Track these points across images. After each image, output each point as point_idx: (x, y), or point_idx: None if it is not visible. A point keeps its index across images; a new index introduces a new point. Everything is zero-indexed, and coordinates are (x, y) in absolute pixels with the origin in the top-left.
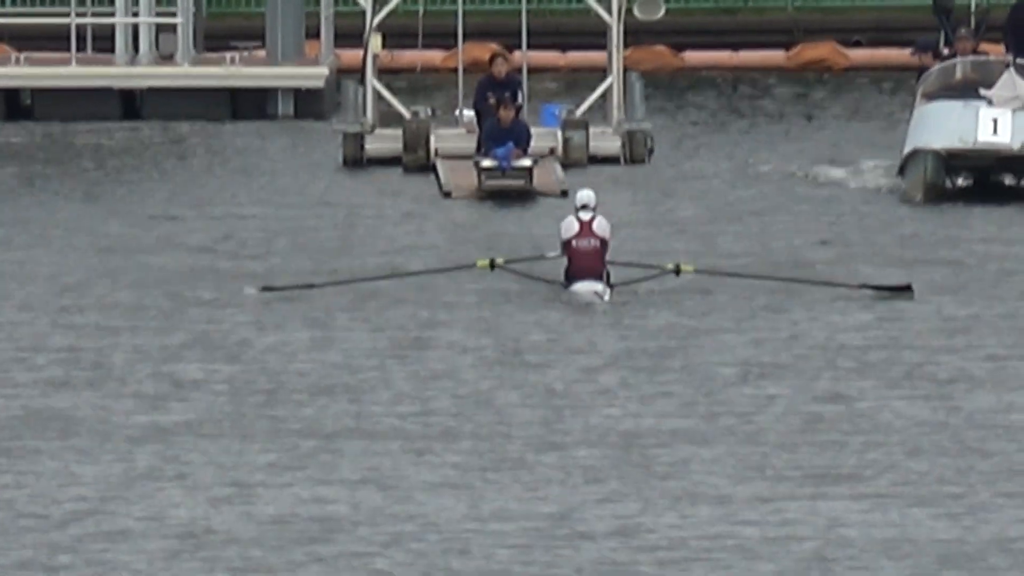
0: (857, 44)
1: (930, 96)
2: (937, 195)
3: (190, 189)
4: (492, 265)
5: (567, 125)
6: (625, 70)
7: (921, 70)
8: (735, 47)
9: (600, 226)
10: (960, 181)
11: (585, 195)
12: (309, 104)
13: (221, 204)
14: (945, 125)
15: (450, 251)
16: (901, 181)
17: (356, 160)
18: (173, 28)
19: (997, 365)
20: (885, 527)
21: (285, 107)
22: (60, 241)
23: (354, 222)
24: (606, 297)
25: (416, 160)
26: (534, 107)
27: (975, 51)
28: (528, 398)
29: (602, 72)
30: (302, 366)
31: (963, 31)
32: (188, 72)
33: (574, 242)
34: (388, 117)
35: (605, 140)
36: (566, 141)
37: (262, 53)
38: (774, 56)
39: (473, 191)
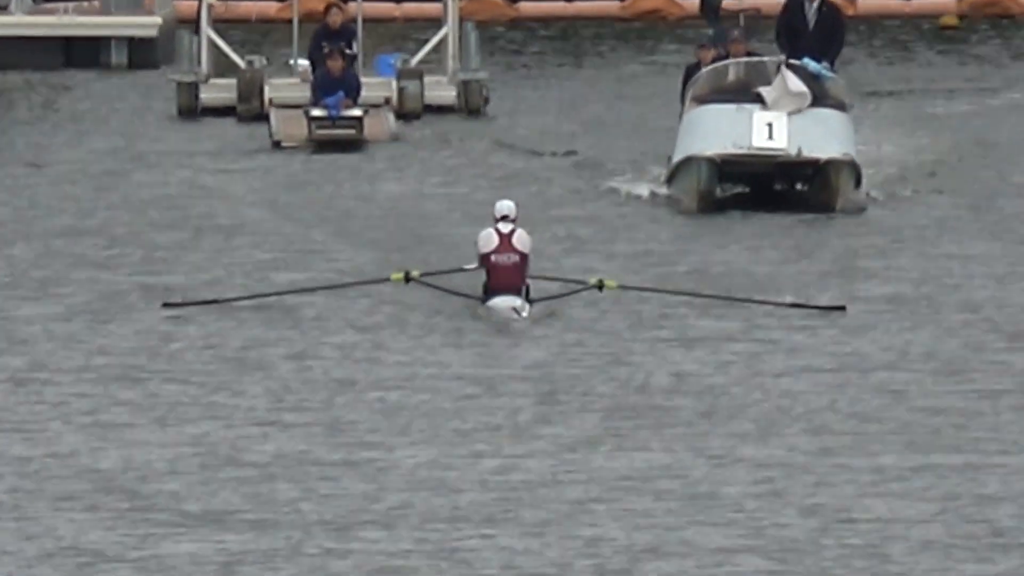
0: None
1: (701, 99)
2: (710, 204)
3: (22, 139)
4: (407, 278)
5: (402, 75)
6: (460, 20)
7: (690, 70)
8: None
9: (520, 240)
10: (733, 188)
11: (505, 206)
12: (143, 53)
13: (55, 154)
14: (718, 130)
15: (285, 203)
16: (669, 189)
17: (191, 109)
18: None
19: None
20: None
21: (119, 56)
22: None
23: (191, 173)
24: (524, 313)
25: (250, 110)
26: (369, 57)
27: (748, 53)
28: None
29: (437, 22)
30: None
31: (736, 32)
32: (22, 21)
33: (493, 257)
34: (223, 67)
35: (440, 90)
36: (401, 91)
37: (96, 3)
38: (608, 6)
39: (303, 140)
